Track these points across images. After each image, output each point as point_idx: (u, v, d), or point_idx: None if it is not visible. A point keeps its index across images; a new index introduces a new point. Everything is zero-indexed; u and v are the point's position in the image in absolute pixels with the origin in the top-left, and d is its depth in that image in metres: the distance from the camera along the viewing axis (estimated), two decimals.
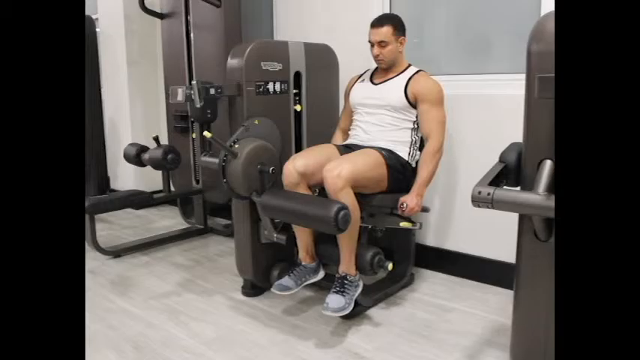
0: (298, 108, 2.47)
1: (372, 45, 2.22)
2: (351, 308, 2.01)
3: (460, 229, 2.58)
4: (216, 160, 2.14)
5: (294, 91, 2.46)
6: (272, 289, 2.15)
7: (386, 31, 2.18)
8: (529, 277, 1.52)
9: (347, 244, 2.05)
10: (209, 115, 2.27)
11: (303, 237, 2.20)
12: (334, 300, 1.99)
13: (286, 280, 2.14)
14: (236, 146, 2.09)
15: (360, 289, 2.09)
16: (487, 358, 1.85)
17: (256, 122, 2.22)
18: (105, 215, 3.82)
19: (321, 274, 2.25)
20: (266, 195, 2.05)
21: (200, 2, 2.96)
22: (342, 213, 1.82)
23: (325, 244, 2.21)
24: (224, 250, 3.11)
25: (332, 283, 2.34)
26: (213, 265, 2.86)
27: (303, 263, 2.20)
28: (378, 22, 2.21)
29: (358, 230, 2.06)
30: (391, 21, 2.20)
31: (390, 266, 2.10)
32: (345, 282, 2.05)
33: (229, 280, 2.61)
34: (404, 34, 2.24)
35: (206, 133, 2.03)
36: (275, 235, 2.20)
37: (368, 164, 2.06)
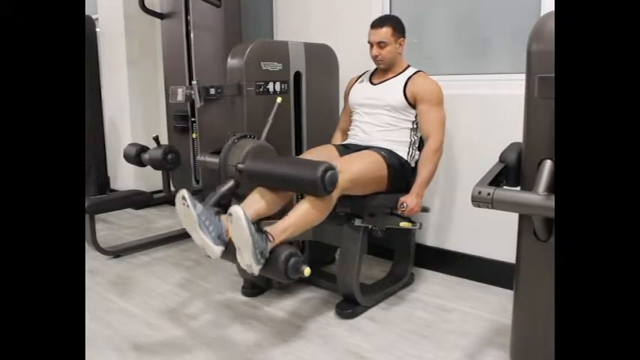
0: (279, 100, 2.30)
1: (371, 45, 2.23)
2: (251, 247, 1.63)
3: (460, 229, 2.58)
4: (216, 160, 2.13)
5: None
6: (185, 190, 1.74)
7: (385, 31, 2.18)
8: (529, 277, 1.52)
9: (289, 222, 1.79)
10: None
11: (261, 199, 1.91)
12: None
13: (199, 205, 1.76)
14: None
15: (256, 269, 1.68)
16: (487, 358, 1.85)
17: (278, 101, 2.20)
18: (105, 215, 3.81)
19: (218, 247, 1.75)
20: (250, 161, 1.99)
21: (200, 2, 2.95)
22: (329, 173, 1.77)
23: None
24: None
25: (330, 283, 2.34)
26: (213, 265, 2.86)
27: (222, 219, 1.79)
28: (378, 23, 2.21)
29: (306, 227, 1.85)
30: (391, 22, 2.20)
31: (306, 271, 1.74)
32: (262, 233, 1.71)
33: (229, 280, 2.60)
34: (403, 36, 2.24)
35: (279, 99, 1.99)
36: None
37: (368, 165, 2.06)
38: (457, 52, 2.62)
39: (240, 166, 1.96)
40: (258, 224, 1.76)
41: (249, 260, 1.66)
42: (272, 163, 1.94)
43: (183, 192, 1.73)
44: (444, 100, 2.22)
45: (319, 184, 1.75)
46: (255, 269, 1.69)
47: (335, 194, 1.89)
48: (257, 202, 1.94)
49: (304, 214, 1.85)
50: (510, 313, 1.60)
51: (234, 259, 1.76)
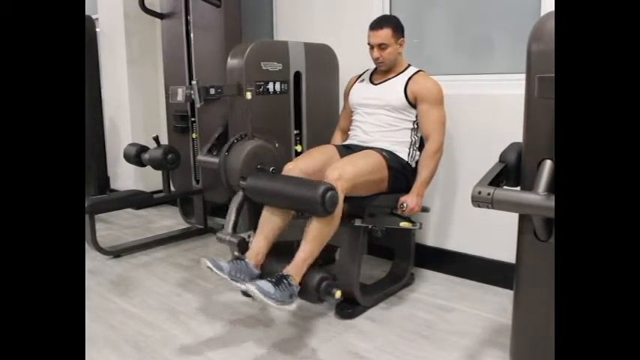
0: (249, 95, 2.26)
1: (372, 47, 2.22)
2: (274, 304, 1.74)
3: (460, 229, 2.58)
4: (216, 160, 2.14)
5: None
6: (206, 259, 1.87)
7: (385, 33, 2.17)
8: (529, 277, 1.52)
9: (307, 249, 1.89)
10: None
11: (260, 241, 2.02)
12: (265, 284, 1.76)
13: (224, 263, 1.89)
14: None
15: (290, 307, 1.80)
16: (487, 358, 1.85)
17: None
18: (105, 215, 3.81)
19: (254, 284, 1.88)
20: (252, 178, 2.01)
21: (200, 2, 2.96)
22: (329, 194, 1.79)
23: (275, 262, 1.99)
24: (224, 250, 3.10)
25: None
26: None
27: (246, 260, 1.97)
28: (377, 25, 2.19)
29: (324, 244, 1.93)
30: (390, 23, 2.19)
31: (338, 294, 1.85)
32: (284, 280, 1.80)
33: None
34: (403, 36, 2.24)
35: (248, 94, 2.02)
36: (228, 238, 2.06)
37: (369, 166, 2.06)
38: (457, 52, 2.62)
39: (242, 183, 2.01)
40: (281, 275, 1.82)
41: (283, 307, 1.77)
42: (272, 182, 1.96)
43: (205, 262, 1.85)
44: (444, 100, 2.22)
45: (319, 204, 1.78)
46: (291, 307, 1.81)
47: (341, 197, 1.91)
48: (270, 223, 2.02)
49: (317, 235, 1.90)
50: (510, 313, 1.60)
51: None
